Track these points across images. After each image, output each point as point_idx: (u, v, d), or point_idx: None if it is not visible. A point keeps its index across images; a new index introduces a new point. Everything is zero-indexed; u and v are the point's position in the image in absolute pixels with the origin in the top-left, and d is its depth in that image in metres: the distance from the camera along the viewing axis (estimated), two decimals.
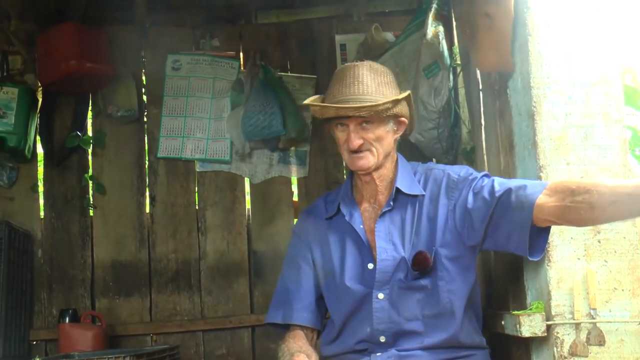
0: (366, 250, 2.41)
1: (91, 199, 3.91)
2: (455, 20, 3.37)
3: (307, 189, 4.02)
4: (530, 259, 2.20)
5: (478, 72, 2.97)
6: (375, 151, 2.37)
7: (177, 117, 3.99)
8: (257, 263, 3.93)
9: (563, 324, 2.20)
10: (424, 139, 3.43)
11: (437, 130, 3.38)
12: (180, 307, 3.88)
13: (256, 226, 3.98)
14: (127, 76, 3.94)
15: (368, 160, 2.37)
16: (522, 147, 2.39)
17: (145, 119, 4.02)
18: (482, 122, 2.96)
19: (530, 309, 2.27)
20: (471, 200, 2.31)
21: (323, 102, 2.39)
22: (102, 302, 3.84)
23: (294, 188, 4.10)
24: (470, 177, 2.37)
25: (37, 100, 3.90)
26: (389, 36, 3.86)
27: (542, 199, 2.11)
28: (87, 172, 3.93)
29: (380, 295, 2.36)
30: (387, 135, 2.38)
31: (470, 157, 3.19)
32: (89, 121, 3.99)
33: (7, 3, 3.77)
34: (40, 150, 4.00)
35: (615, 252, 2.22)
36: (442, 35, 3.32)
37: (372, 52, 3.68)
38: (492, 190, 2.26)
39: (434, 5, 3.28)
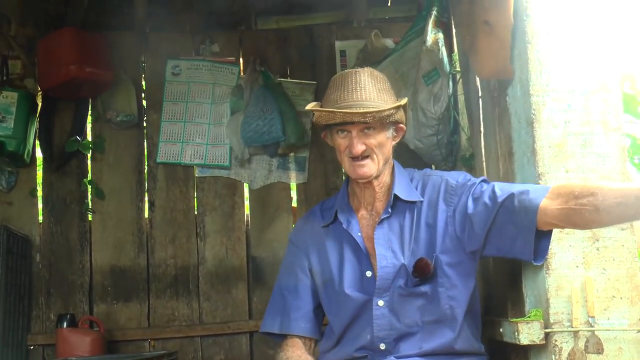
0: (364, 258, 2.40)
1: (90, 204, 3.91)
2: (455, 27, 3.37)
3: (306, 195, 4.03)
4: (534, 263, 2.20)
5: (477, 79, 2.97)
6: (376, 158, 2.36)
7: (176, 123, 4.00)
8: (256, 269, 3.93)
9: (561, 331, 2.19)
10: (423, 145, 3.43)
11: (437, 136, 3.38)
12: (178, 313, 3.88)
13: (255, 232, 3.98)
14: (127, 81, 3.95)
15: (370, 168, 2.36)
16: (521, 155, 2.39)
17: (144, 124, 4.03)
18: (482, 129, 2.96)
19: (529, 317, 2.27)
20: (471, 206, 2.30)
21: (322, 107, 2.39)
22: (101, 307, 3.84)
23: (293, 194, 4.10)
24: (468, 183, 2.37)
25: (37, 105, 3.91)
26: (389, 42, 3.87)
27: (546, 202, 2.11)
28: (86, 177, 3.93)
29: (381, 302, 2.35)
30: (387, 142, 2.38)
31: (470, 164, 3.19)
32: (89, 126, 4.00)
33: (8, 8, 3.79)
34: (39, 154, 4.00)
35: (613, 260, 2.22)
36: (441, 42, 3.33)
37: (371, 58, 3.69)
38: (493, 196, 2.25)
39: (434, 12, 3.29)
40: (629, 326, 2.19)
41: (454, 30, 3.44)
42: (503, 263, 2.59)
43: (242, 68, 4.06)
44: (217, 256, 3.93)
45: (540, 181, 2.25)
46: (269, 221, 3.98)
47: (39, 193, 3.94)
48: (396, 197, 2.41)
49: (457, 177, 2.42)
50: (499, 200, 2.23)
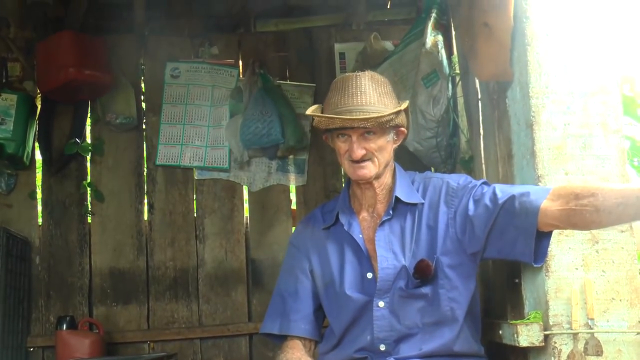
0: (365, 260, 2.41)
1: (89, 206, 3.91)
2: (455, 30, 3.37)
3: (305, 197, 4.03)
4: (535, 265, 2.21)
5: (477, 81, 2.97)
6: (377, 161, 2.37)
7: (175, 125, 4.00)
8: (255, 271, 3.93)
9: (561, 333, 2.19)
10: (422, 148, 3.43)
11: (436, 139, 3.38)
12: (178, 315, 3.88)
13: (254, 234, 3.98)
14: (126, 84, 3.95)
15: (370, 169, 2.37)
16: (521, 157, 2.39)
17: (144, 127, 4.03)
18: (481, 131, 2.96)
19: (528, 319, 2.27)
20: (472, 208, 2.31)
21: (322, 111, 2.39)
22: (100, 310, 3.84)
23: (293, 196, 4.10)
24: (469, 185, 2.37)
25: (36, 107, 3.92)
26: (388, 45, 3.87)
27: (546, 203, 2.12)
28: (86, 180, 3.93)
29: (381, 304, 2.36)
30: (387, 145, 2.38)
31: (469, 166, 3.19)
32: (88, 128, 4.00)
33: (7, 11, 3.78)
34: (38, 157, 4.01)
35: (613, 262, 2.22)
36: (441, 45, 3.33)
37: (371, 61, 3.69)
38: (494, 198, 2.26)
39: (433, 15, 3.30)
40: (628, 328, 2.19)
41: (453, 33, 3.44)
42: (502, 265, 2.60)
43: (241, 70, 4.06)
44: (216, 258, 3.93)
45: (539, 183, 2.25)
46: (268, 224, 3.98)
47: (39, 195, 3.95)
48: (397, 199, 2.42)
49: (458, 179, 2.43)
50: (500, 202, 2.23)
